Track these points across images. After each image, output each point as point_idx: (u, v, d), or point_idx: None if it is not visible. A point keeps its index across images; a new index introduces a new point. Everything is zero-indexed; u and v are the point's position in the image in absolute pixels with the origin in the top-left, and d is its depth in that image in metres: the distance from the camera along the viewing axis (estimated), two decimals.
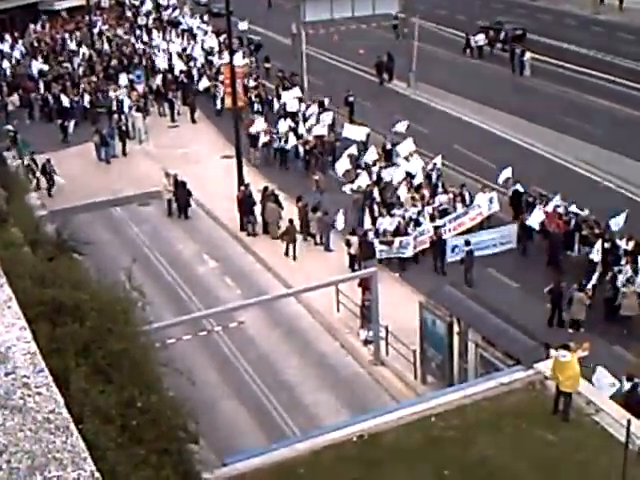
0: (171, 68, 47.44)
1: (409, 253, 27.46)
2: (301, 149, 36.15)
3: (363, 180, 31.30)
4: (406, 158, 33.04)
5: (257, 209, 30.74)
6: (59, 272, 11.78)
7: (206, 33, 54.38)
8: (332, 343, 23.92)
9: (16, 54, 53.30)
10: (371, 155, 33.83)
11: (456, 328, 20.38)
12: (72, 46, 54.10)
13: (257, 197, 31.10)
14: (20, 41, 56.19)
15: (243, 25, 53.89)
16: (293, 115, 39.25)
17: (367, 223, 28.54)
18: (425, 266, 27.39)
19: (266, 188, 31.66)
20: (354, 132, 36.53)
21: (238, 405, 21.28)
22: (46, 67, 49.09)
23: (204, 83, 44.55)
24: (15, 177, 22.99)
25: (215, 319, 24.04)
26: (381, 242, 27.36)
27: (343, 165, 33.39)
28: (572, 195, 28.76)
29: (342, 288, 24.67)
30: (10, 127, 36.80)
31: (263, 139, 36.71)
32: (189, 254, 29.81)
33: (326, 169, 34.75)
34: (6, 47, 54.66)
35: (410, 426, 16.29)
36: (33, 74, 47.98)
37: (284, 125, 37.32)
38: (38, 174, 34.34)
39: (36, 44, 55.72)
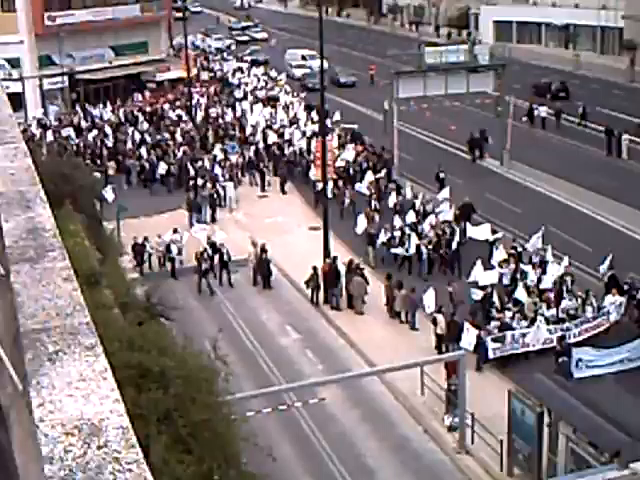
0: (264, 140, 48.19)
1: (517, 350, 25.73)
2: (424, 250, 32.64)
3: (490, 278, 29.05)
4: (542, 263, 30.41)
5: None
6: (147, 337, 11.71)
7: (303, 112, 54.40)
8: (415, 427, 23.13)
9: (117, 121, 55.22)
10: (499, 255, 31.13)
11: (546, 419, 19.53)
12: (172, 116, 55.81)
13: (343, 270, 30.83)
14: (122, 109, 58.25)
15: (336, 115, 51.98)
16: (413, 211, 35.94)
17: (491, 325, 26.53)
18: (535, 366, 24.91)
19: (351, 261, 31.43)
20: (478, 232, 33.80)
21: None
22: (145, 135, 50.59)
23: (313, 171, 41.70)
24: (110, 239, 23.38)
25: (295, 394, 23.62)
26: (493, 340, 25.66)
27: (477, 272, 29.96)
28: None
29: (427, 370, 23.99)
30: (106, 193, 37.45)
31: (382, 238, 33.65)
32: (272, 324, 29.62)
33: (454, 274, 31.78)
34: (108, 114, 56.74)
35: None
36: (132, 141, 49.47)
37: (400, 221, 34.67)
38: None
39: (137, 112, 57.59)
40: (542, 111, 53.39)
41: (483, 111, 50.43)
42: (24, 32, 60.09)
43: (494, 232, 33.61)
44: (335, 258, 31.40)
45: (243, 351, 27.05)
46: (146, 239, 33.93)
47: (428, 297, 28.06)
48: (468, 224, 34.42)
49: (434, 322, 26.80)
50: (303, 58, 69.98)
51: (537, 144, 48.53)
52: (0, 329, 5.32)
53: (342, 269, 30.73)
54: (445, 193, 37.58)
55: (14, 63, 58.71)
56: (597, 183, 41.00)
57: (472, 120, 50.34)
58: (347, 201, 38.84)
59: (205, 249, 33.06)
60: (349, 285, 30.21)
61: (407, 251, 32.55)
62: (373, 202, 38.04)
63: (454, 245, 32.56)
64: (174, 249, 33.93)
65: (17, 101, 48.72)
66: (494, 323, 26.36)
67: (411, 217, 35.07)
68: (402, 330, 28.40)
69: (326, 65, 68.46)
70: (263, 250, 32.83)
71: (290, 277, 33.09)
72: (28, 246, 5.84)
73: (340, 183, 40.12)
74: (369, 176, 40.57)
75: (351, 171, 42.62)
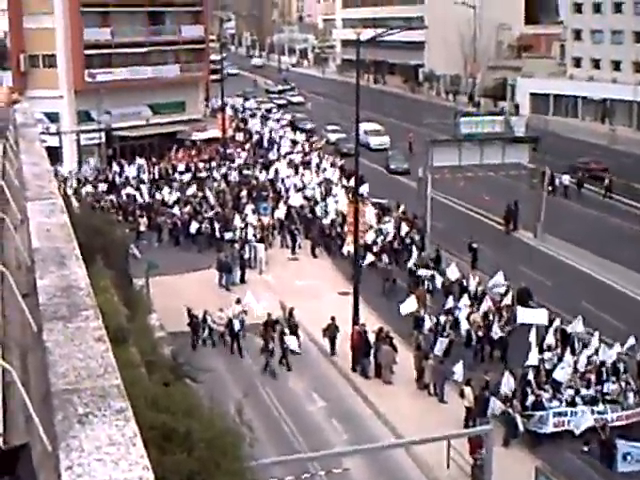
0: (296, 203, 48.39)
1: (548, 430, 25.00)
2: (474, 337, 31.07)
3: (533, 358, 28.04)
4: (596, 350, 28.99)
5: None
6: (174, 398, 11.50)
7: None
8: None
9: (151, 178, 55.92)
10: (549, 339, 29.85)
11: None
12: (205, 175, 56.46)
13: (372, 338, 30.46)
14: (156, 167, 58.94)
15: (365, 187, 49.89)
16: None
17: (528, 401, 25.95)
18: (564, 444, 24.64)
19: (381, 329, 31.03)
20: (531, 316, 31.46)
21: None
22: (178, 193, 51.06)
23: (347, 246, 40.66)
24: (139, 296, 23.32)
25: (319, 462, 23.13)
26: (522, 416, 25.18)
27: (532, 359, 28.34)
28: None
29: (455, 443, 23.40)
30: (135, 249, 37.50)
31: (428, 322, 31.87)
32: (298, 390, 29.19)
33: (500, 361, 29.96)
34: (144, 171, 57.45)
35: None
36: (165, 199, 49.91)
37: (450, 303, 32.98)
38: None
39: (171, 171, 58.22)
40: (565, 180, 53.40)
41: (518, 182, 50.30)
42: (64, 88, 61.52)
43: (551, 321, 31.13)
44: (364, 325, 31.03)
45: (268, 416, 26.60)
46: (207, 313, 32.54)
47: (458, 368, 27.80)
48: (520, 308, 32.35)
49: (461, 394, 26.29)
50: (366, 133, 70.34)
51: (563, 214, 48.01)
52: (31, 387, 5.20)
53: (371, 337, 30.38)
54: (500, 277, 35.78)
55: (53, 117, 59.94)
56: (630, 259, 40.46)
57: (506, 191, 50.17)
58: (393, 278, 37.72)
59: (271, 328, 31.42)
60: (378, 354, 29.80)
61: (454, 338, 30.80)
62: (427, 282, 36.52)
63: (500, 332, 30.67)
64: (237, 324, 32.24)
65: (54, 155, 49.54)
66: (530, 398, 25.79)
67: (465, 301, 33.14)
68: (430, 402, 27.83)
69: (388, 142, 69.01)
70: (291, 314, 32.58)
71: (318, 342, 32.75)
72: (61, 304, 5.75)
73: (384, 257, 39.53)
74: (415, 255, 39.73)
75: (395, 244, 41.74)
